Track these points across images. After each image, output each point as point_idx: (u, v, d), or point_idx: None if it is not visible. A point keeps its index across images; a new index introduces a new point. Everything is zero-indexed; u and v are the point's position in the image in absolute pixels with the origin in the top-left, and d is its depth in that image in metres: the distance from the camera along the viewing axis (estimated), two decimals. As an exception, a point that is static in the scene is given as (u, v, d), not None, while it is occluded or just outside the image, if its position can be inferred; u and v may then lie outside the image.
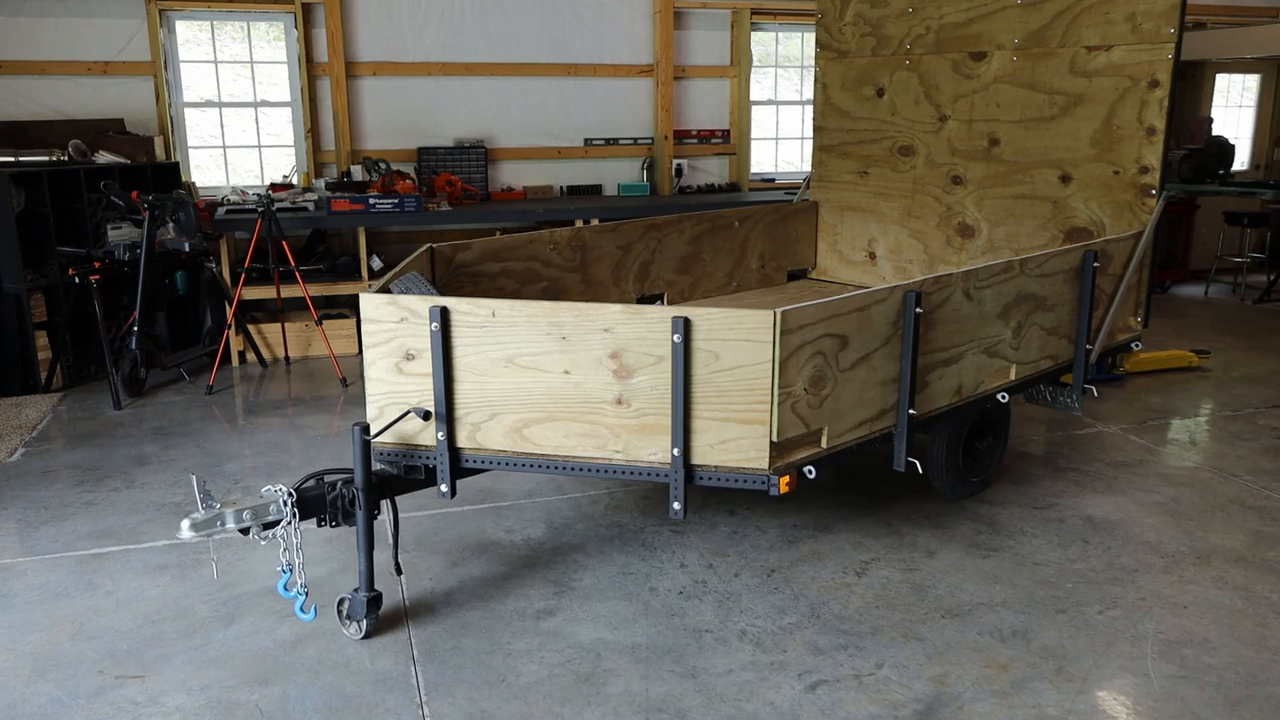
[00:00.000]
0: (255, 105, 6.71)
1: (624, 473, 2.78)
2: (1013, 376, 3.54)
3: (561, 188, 7.46)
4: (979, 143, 4.62)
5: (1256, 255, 8.64)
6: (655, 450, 2.75)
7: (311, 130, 6.70)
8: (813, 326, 2.71)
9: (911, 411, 3.05)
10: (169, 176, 6.19)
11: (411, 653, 2.87)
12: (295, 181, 6.63)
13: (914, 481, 4.12)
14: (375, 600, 2.91)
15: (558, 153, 7.41)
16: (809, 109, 8.33)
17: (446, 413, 2.82)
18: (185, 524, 2.60)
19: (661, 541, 3.59)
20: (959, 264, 4.82)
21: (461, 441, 2.86)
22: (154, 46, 6.36)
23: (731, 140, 7.86)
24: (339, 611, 2.97)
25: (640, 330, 2.67)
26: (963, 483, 3.86)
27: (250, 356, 6.18)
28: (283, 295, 6.02)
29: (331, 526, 2.87)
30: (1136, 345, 4.19)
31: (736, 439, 2.70)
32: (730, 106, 7.83)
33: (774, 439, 2.69)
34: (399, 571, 3.03)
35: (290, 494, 2.76)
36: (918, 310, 2.96)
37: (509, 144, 7.29)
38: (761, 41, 7.97)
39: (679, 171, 7.65)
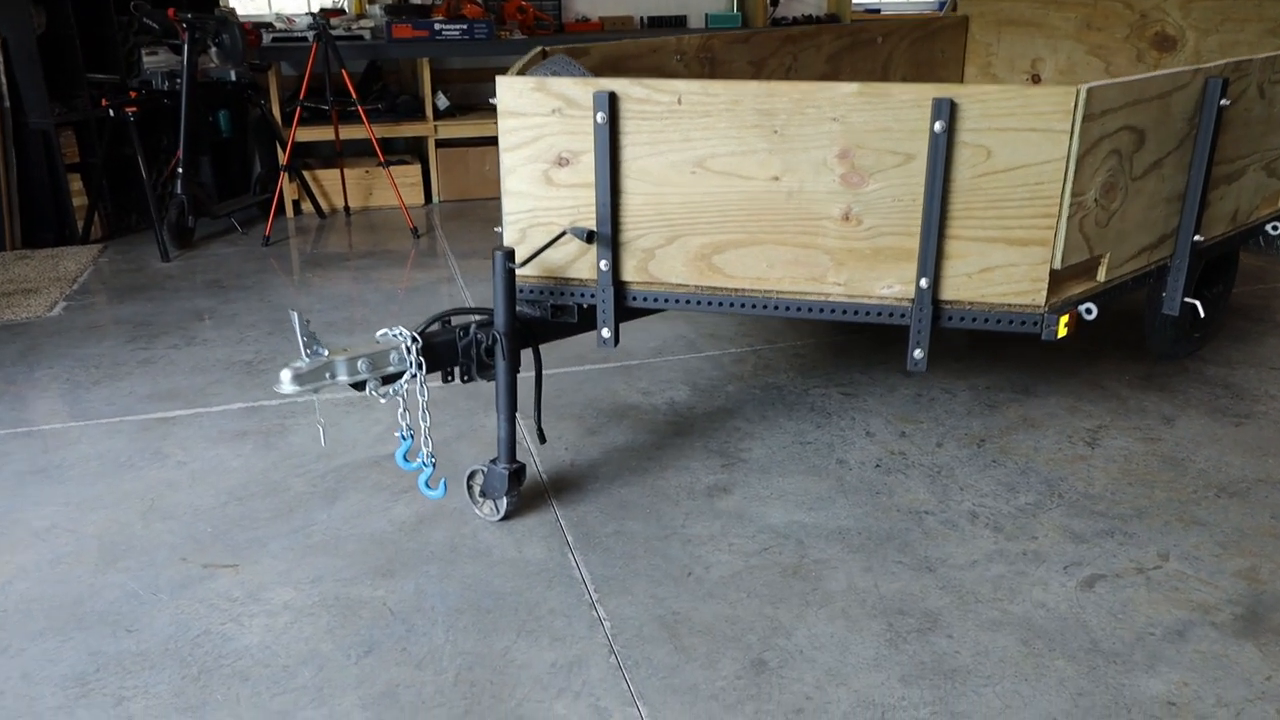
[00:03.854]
0: (297, -82, 5.85)
1: (847, 312, 2.13)
2: (1283, 203, 2.84)
3: (642, 19, 6.60)
4: (1192, -71, 3.78)
5: None
6: (891, 282, 2.09)
7: (362, -52, 5.86)
8: (1115, 114, 2.01)
9: (1198, 237, 2.37)
10: (205, -1, 5.42)
11: (565, 538, 2.30)
12: (346, 8, 5.83)
13: (1106, 337, 3.46)
14: (518, 474, 2.33)
15: (637, -22, 6.52)
16: (915, -70, 7.32)
17: (612, 234, 2.16)
18: (287, 374, 2.00)
19: (833, 406, 2.98)
20: (1151, 84, 4.03)
21: (629, 274, 2.22)
22: None
23: (831, -36, 6.92)
24: (469, 488, 2.39)
25: (883, 119, 1.97)
26: (1184, 338, 3.20)
27: (306, 206, 5.52)
28: (341, 137, 5.31)
29: (464, 381, 2.26)
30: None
31: (1004, 265, 2.04)
32: (831, -76, 6.86)
33: (1055, 265, 2.02)
34: (542, 439, 2.43)
35: (414, 339, 2.15)
36: (1222, 102, 2.25)
37: (582, -33, 6.40)
38: None
39: (774, 0, 6.74)
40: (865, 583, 2.12)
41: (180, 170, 4.69)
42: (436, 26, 5.35)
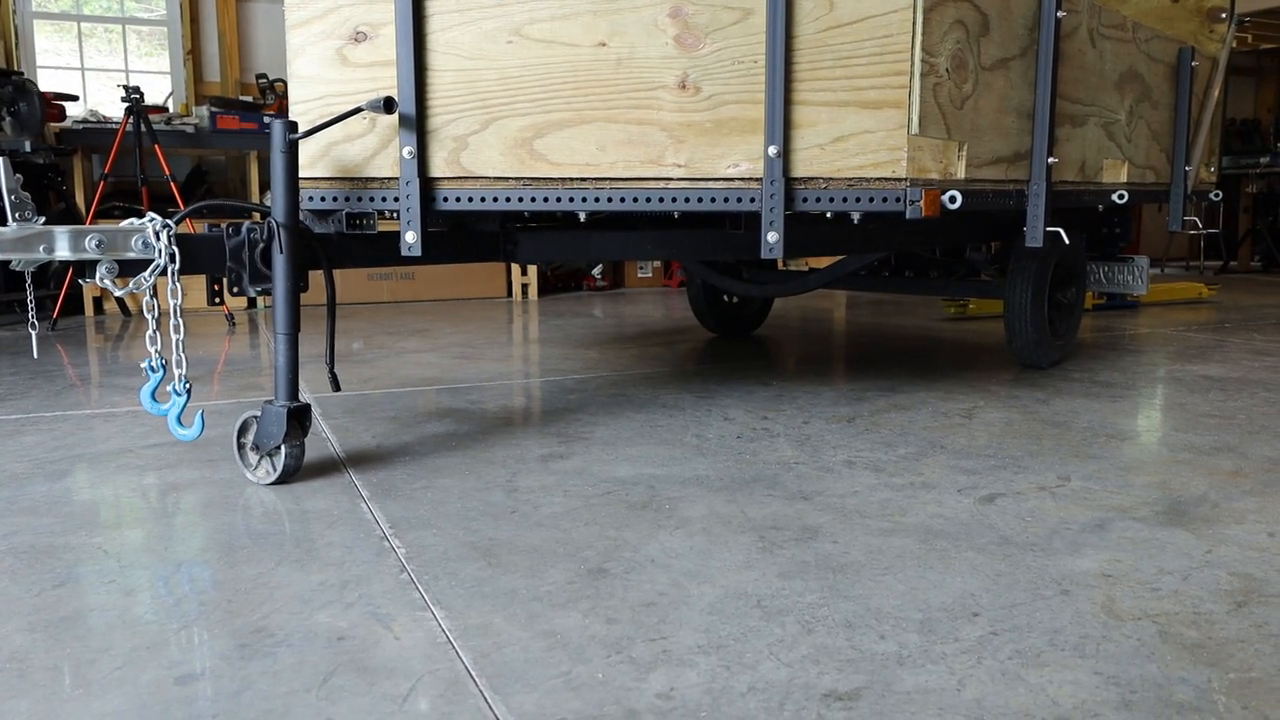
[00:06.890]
0: (123, 21, 5.65)
1: (690, 200, 1.86)
2: (1124, 178, 2.79)
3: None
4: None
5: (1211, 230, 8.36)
6: (737, 159, 1.84)
7: (192, 53, 5.67)
8: (958, -24, 1.89)
9: (1052, 160, 2.25)
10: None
11: (359, 493, 1.84)
12: (170, 106, 5.56)
13: (971, 355, 3.31)
14: (299, 416, 1.87)
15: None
16: None
17: (418, 119, 1.86)
18: (-18, 239, 1.55)
19: (687, 404, 2.65)
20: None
21: (438, 168, 1.90)
22: (-4, -55, 5.27)
23: None
24: (239, 447, 1.92)
25: (716, -32, 1.79)
26: (1046, 343, 3.07)
27: (110, 305, 4.99)
28: (153, 230, 4.88)
29: (234, 293, 1.84)
30: (1217, 195, 3.54)
31: (859, 133, 1.82)
32: None
33: (913, 130, 1.83)
34: (336, 386, 1.99)
35: (165, 225, 1.74)
36: (1058, 14, 2.19)
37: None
38: None
39: None
40: (729, 510, 1.73)
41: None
42: (265, 119, 5.12)
